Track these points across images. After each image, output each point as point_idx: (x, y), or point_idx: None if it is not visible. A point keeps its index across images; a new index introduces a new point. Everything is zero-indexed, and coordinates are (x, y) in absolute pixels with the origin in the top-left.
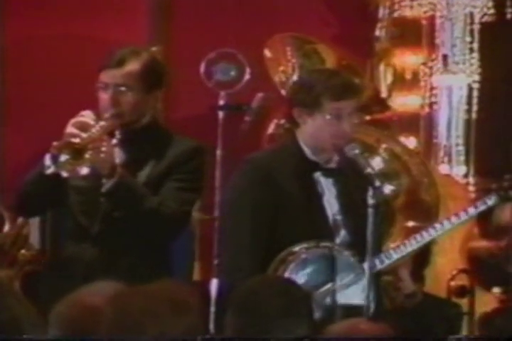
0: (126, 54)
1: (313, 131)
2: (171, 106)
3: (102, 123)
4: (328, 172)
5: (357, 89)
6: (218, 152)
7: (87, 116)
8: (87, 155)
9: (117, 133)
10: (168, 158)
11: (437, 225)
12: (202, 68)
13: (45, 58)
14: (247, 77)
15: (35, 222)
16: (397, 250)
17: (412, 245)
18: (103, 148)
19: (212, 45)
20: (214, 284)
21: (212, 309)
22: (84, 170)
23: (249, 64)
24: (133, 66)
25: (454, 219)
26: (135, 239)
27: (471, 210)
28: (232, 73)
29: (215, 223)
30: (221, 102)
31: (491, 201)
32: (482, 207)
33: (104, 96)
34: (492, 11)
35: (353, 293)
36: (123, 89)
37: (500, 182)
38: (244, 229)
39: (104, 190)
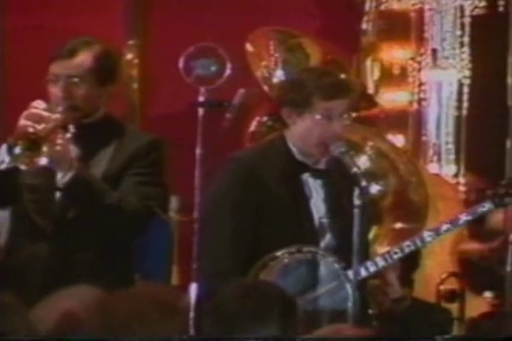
0: (77, 44)
1: (302, 132)
2: (149, 103)
3: (56, 115)
4: (316, 174)
5: (349, 88)
6: (198, 150)
7: (40, 107)
8: (44, 148)
9: (71, 128)
10: (125, 152)
11: (427, 233)
12: (181, 63)
13: (20, 52)
14: (227, 72)
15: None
16: (384, 257)
17: (400, 253)
18: (59, 141)
19: (192, 39)
20: (193, 289)
21: (192, 314)
22: (43, 161)
23: (230, 59)
24: (85, 57)
25: (445, 227)
26: (94, 237)
27: (464, 217)
28: (213, 68)
29: (195, 225)
30: (201, 98)
31: (485, 208)
32: (476, 215)
33: (55, 89)
34: (483, 3)
35: (337, 299)
36: (75, 80)
37: (496, 188)
38: (226, 231)
39: (61, 185)
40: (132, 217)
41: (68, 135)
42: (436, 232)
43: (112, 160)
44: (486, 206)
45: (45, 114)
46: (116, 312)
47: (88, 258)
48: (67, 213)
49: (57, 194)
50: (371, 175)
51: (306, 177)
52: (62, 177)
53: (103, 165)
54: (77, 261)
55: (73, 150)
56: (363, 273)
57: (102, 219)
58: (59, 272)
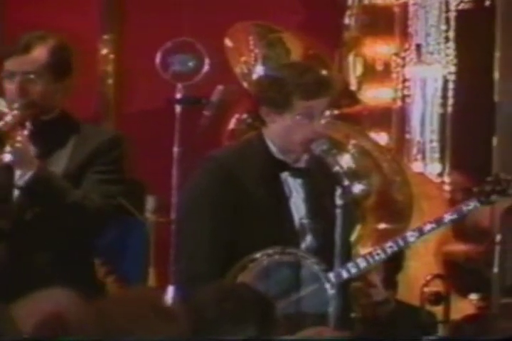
0: (32, 39)
1: (282, 131)
2: (125, 100)
3: (15, 112)
4: (296, 173)
5: (330, 86)
6: (175, 149)
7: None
8: (7, 146)
9: (28, 125)
10: (85, 149)
11: (411, 233)
12: (158, 58)
13: None
14: (206, 68)
15: None
16: (366, 259)
17: (382, 254)
18: (18, 138)
19: (169, 34)
20: (170, 292)
21: None
22: (7, 158)
23: (208, 54)
24: (40, 52)
25: (429, 226)
26: (54, 236)
27: (449, 216)
28: (190, 64)
29: (172, 226)
30: (178, 95)
31: (470, 206)
32: (461, 213)
33: (10, 86)
34: None
35: (319, 302)
36: (31, 76)
37: (481, 185)
38: (204, 232)
39: (21, 184)
40: (95, 216)
41: (25, 132)
42: (420, 232)
43: (71, 158)
44: (472, 204)
45: (5, 110)
46: (114, 318)
47: (48, 258)
48: (26, 212)
49: (16, 193)
50: (354, 174)
51: (286, 176)
52: (21, 176)
53: (63, 163)
54: (36, 262)
55: (31, 148)
56: (345, 275)
57: (64, 217)
58: (18, 272)
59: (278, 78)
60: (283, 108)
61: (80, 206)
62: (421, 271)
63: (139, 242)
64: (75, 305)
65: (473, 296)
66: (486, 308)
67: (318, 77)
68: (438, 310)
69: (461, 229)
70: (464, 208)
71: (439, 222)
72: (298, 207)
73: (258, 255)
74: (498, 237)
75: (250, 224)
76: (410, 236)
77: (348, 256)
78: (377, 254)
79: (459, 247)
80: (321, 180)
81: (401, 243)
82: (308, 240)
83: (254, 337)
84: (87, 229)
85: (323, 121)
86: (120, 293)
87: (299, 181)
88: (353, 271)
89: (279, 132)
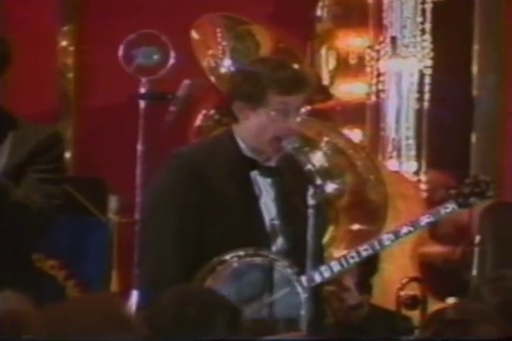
0: None
1: (255, 127)
2: (86, 94)
3: None
4: (266, 172)
5: (306, 82)
6: (139, 147)
7: None
8: None
9: None
10: (25, 146)
11: (386, 236)
12: (120, 51)
13: None
14: (171, 61)
15: None
16: (340, 262)
17: (357, 257)
18: None
19: (133, 25)
20: (134, 296)
21: None
22: None
23: (174, 47)
24: None
25: (405, 229)
26: None
27: (426, 219)
28: (155, 57)
29: (136, 227)
30: (142, 90)
31: (448, 209)
32: (438, 216)
33: None
34: None
35: (290, 306)
36: None
37: (459, 187)
38: (168, 232)
39: None
40: (36, 216)
41: None
42: (396, 235)
43: (10, 156)
44: (450, 207)
45: None
46: (67, 327)
47: None
48: None
49: None
50: (326, 173)
51: (255, 175)
52: None
53: (1, 161)
54: None
55: None
56: (318, 278)
57: (5, 217)
58: None
59: (252, 72)
60: (257, 103)
61: (21, 206)
62: (396, 274)
63: (100, 244)
64: (25, 309)
65: (451, 300)
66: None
67: (293, 73)
68: (414, 314)
69: (438, 230)
70: (442, 211)
71: (415, 224)
72: (268, 207)
73: (228, 257)
74: (477, 238)
75: (218, 225)
76: (386, 239)
77: (320, 258)
78: (352, 257)
79: (436, 249)
80: (291, 179)
81: (376, 246)
82: (279, 242)
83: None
84: (28, 231)
85: (298, 119)
86: (74, 300)
87: (268, 180)
88: (326, 274)
89: (252, 129)
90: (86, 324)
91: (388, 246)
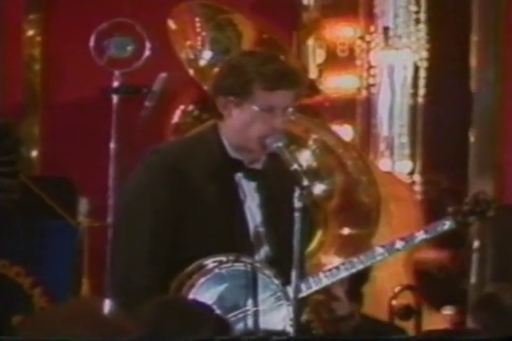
0: None
1: (240, 125)
2: (54, 88)
3: None
4: (251, 174)
5: (296, 78)
6: (112, 145)
7: None
8: None
9: None
10: None
11: (379, 251)
12: (91, 42)
13: None
14: (146, 53)
15: None
16: (329, 274)
17: (346, 271)
18: None
19: (105, 14)
20: (107, 305)
21: None
22: None
23: (149, 37)
24: None
25: (399, 244)
26: None
27: (421, 235)
28: (129, 48)
29: (108, 231)
30: (115, 84)
31: (445, 226)
32: (435, 233)
33: None
34: None
35: (275, 317)
36: None
37: (459, 204)
38: (142, 236)
39: None
40: None
41: None
42: (389, 251)
43: None
44: (447, 224)
45: None
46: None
47: None
48: None
49: None
50: (314, 173)
51: (239, 177)
52: None
53: None
54: None
55: None
56: (304, 290)
57: None
58: None
59: (238, 65)
60: (242, 97)
61: None
62: (389, 282)
63: (68, 249)
64: None
65: (447, 310)
66: (461, 323)
67: (282, 68)
68: (408, 325)
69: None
70: (439, 228)
71: (409, 241)
72: (253, 213)
73: (207, 262)
74: (476, 243)
75: (197, 229)
76: (378, 255)
77: (302, 267)
78: (340, 271)
79: (430, 255)
80: (279, 184)
81: (368, 261)
82: (263, 251)
83: None
84: None
85: (285, 118)
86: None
87: (253, 184)
88: (315, 287)
89: (236, 126)
90: (77, 333)
91: (379, 261)
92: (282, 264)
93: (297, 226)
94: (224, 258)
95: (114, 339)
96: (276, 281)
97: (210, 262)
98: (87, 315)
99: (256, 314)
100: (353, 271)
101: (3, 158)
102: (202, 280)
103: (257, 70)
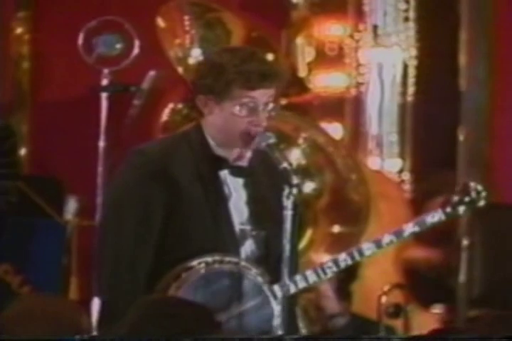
0: None
1: (221, 123)
2: (42, 86)
3: None
4: (237, 171)
5: (275, 76)
6: (100, 143)
7: None
8: None
9: None
10: None
11: (367, 245)
12: (80, 39)
13: None
14: (135, 51)
15: None
16: (316, 272)
17: (334, 267)
18: None
19: (94, 12)
20: (95, 304)
21: (95, 333)
22: None
23: (138, 35)
24: None
25: (387, 238)
26: None
27: (410, 228)
28: (118, 46)
29: (97, 230)
30: (104, 82)
31: (435, 218)
32: (424, 226)
33: None
34: None
35: (262, 316)
36: None
37: (448, 195)
38: (128, 235)
39: None
40: None
41: None
42: (377, 245)
43: None
44: (436, 216)
45: None
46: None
47: None
48: None
49: None
50: (304, 172)
51: (225, 174)
52: None
53: None
54: None
55: None
56: (292, 288)
57: None
58: None
59: (217, 63)
60: (221, 96)
61: None
62: (378, 281)
63: (55, 248)
64: None
65: (436, 308)
66: (450, 322)
67: (262, 66)
68: (397, 323)
69: (422, 233)
70: (428, 220)
71: (398, 234)
72: (239, 210)
73: (194, 263)
74: (465, 242)
75: (183, 228)
76: (366, 248)
77: (294, 265)
78: (329, 267)
79: (420, 253)
80: (266, 180)
81: (356, 256)
82: (249, 248)
83: None
84: None
85: (266, 114)
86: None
87: (239, 181)
88: (302, 284)
89: (218, 124)
90: (30, 331)
91: (368, 256)
92: (269, 262)
93: (287, 224)
94: (210, 259)
95: (114, 338)
96: (263, 280)
97: (196, 263)
98: (37, 312)
99: (241, 316)
100: (342, 266)
101: (3, 160)
102: (188, 281)
103: (236, 70)
